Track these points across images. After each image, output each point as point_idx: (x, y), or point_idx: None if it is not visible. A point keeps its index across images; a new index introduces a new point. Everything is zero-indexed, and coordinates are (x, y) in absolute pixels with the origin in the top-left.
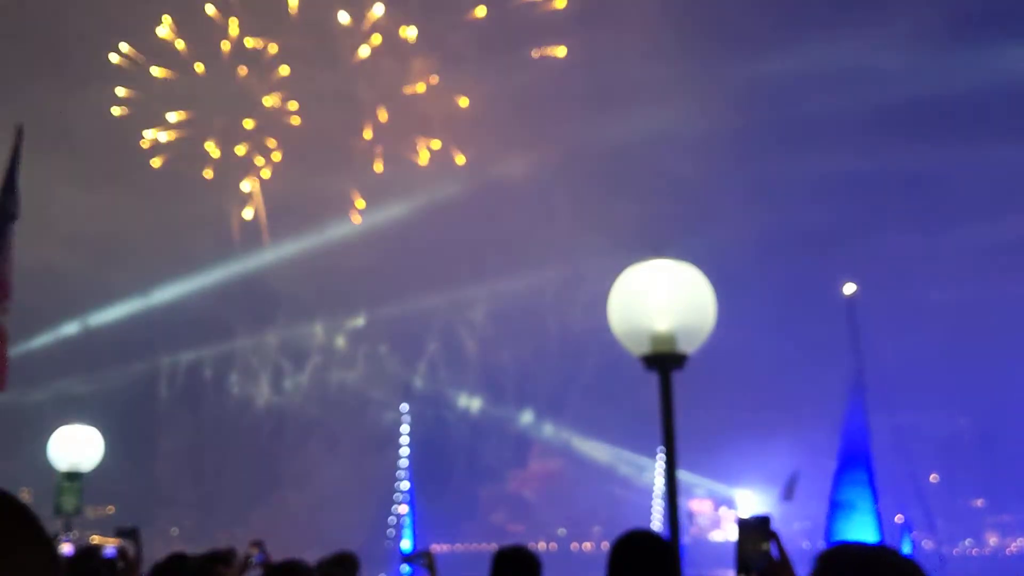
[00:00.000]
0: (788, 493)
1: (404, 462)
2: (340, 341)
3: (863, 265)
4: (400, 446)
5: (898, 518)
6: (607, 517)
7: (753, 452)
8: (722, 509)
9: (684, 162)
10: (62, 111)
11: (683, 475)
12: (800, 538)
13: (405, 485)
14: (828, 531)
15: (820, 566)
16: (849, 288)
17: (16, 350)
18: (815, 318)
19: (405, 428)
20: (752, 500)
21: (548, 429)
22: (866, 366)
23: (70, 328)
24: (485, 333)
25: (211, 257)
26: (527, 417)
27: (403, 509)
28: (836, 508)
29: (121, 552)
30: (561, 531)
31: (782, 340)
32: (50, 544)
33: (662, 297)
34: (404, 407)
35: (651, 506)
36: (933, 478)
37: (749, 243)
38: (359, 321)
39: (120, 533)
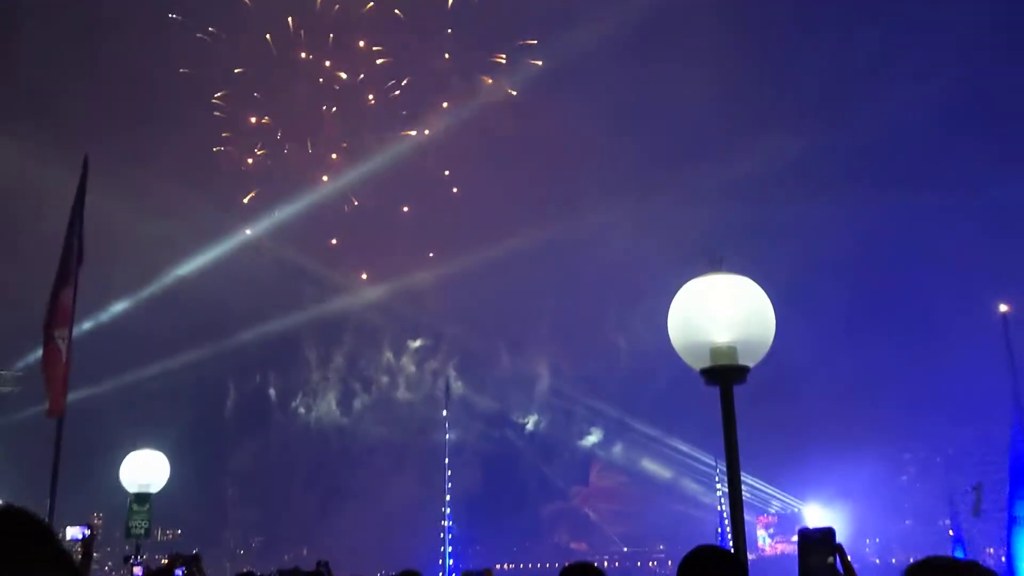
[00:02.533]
0: (976, 508)
1: (448, 472)
2: (407, 362)
3: (947, 281)
4: (444, 454)
5: None
6: (671, 535)
7: (827, 467)
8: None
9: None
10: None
11: (757, 487)
12: (873, 555)
13: (448, 510)
14: (1008, 543)
15: None
16: (1004, 307)
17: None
18: (898, 334)
19: (448, 437)
20: (820, 515)
21: (614, 447)
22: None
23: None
24: (550, 351)
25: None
26: (593, 436)
27: (446, 524)
28: (1012, 523)
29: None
30: (625, 549)
31: (864, 356)
32: (72, 565)
33: (722, 311)
34: (444, 413)
35: (718, 524)
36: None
37: (827, 259)
38: (423, 342)
39: (179, 558)
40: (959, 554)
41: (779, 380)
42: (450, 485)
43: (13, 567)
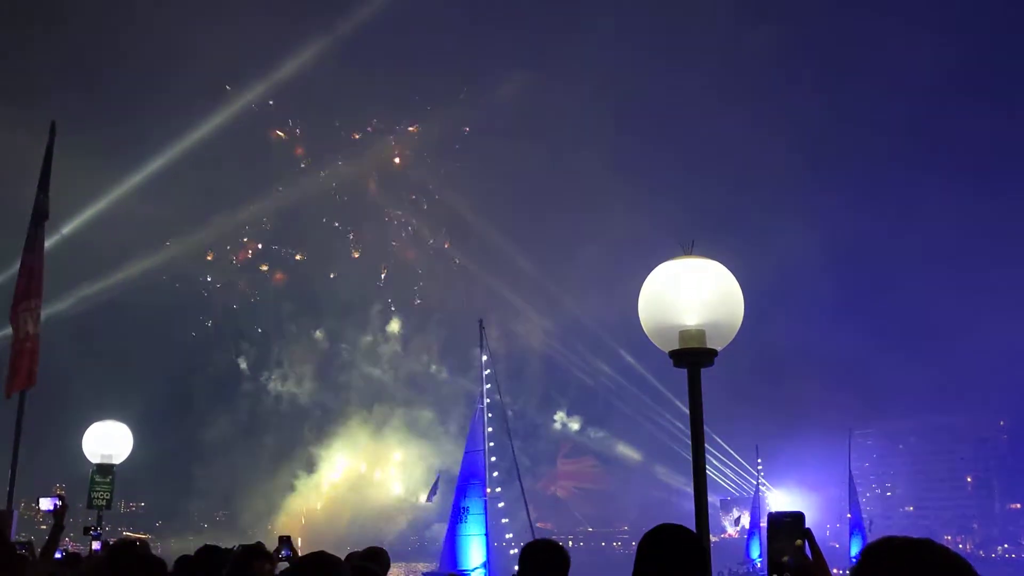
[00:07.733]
0: None
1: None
2: (387, 339)
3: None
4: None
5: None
6: (638, 517)
7: (800, 451)
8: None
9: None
10: None
11: (729, 471)
12: (833, 539)
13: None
14: None
15: (863, 558)
16: None
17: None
18: (884, 322)
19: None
20: (784, 502)
21: (583, 429)
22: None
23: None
24: (530, 336)
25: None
26: (574, 423)
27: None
28: None
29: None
30: (590, 529)
31: (845, 342)
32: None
33: (690, 294)
34: (484, 358)
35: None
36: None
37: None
38: (400, 323)
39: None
40: (857, 540)
41: (767, 366)
42: (492, 444)
43: None
